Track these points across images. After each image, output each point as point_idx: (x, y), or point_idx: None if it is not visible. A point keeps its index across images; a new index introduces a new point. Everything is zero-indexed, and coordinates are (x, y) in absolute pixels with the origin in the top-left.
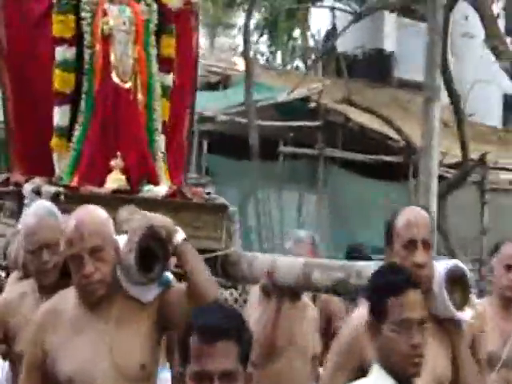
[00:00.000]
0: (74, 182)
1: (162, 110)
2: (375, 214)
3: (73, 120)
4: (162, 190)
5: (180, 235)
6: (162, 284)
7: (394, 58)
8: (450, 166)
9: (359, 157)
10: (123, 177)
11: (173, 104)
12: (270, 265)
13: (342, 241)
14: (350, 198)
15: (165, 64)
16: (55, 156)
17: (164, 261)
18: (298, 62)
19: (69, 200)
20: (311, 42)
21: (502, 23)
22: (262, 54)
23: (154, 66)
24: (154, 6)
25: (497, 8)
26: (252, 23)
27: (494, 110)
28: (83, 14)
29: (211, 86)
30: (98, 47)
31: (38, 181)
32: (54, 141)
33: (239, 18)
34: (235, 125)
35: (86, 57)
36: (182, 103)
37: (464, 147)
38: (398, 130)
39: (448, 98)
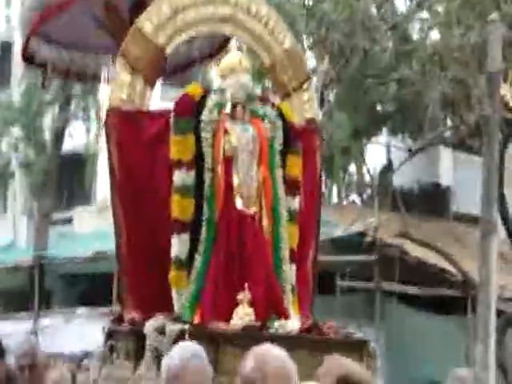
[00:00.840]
0: (197, 319)
1: (289, 237)
2: (433, 349)
3: (193, 250)
4: (294, 324)
5: None
6: None
7: (451, 191)
8: (509, 300)
9: (416, 290)
10: (251, 310)
11: (299, 230)
12: None
13: (400, 375)
14: (407, 331)
15: (291, 186)
16: (174, 290)
17: None
18: (354, 197)
19: (195, 338)
20: (367, 177)
21: None
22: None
23: (280, 189)
24: (279, 123)
25: None
26: None
27: None
28: (203, 134)
29: None
30: (219, 169)
31: (160, 319)
32: (173, 274)
33: None
34: None
35: (207, 180)
36: (307, 229)
37: None
38: (455, 264)
39: (505, 232)
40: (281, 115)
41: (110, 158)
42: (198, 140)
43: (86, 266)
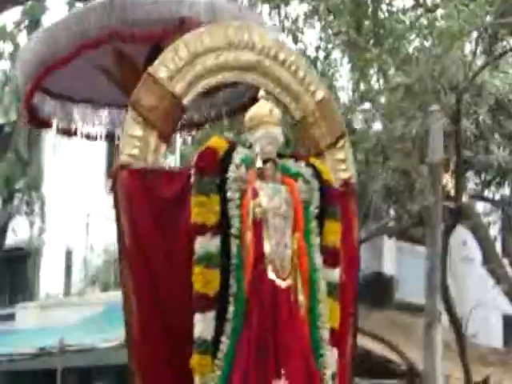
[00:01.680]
0: None
1: (328, 315)
2: None
3: (219, 331)
4: None
5: None
6: None
7: (394, 281)
8: None
9: (363, 382)
10: None
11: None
12: None
13: None
14: None
15: (330, 255)
16: (197, 378)
17: None
18: None
19: None
20: None
21: (499, 246)
22: None
23: (318, 258)
24: (315, 184)
25: (493, 231)
26: None
27: (495, 331)
28: (230, 195)
29: None
30: (248, 236)
31: None
32: (196, 358)
33: None
34: None
35: (234, 248)
36: (346, 306)
37: (467, 370)
38: (401, 353)
39: (449, 321)
40: (317, 174)
41: (118, 223)
42: (223, 201)
43: (29, 362)
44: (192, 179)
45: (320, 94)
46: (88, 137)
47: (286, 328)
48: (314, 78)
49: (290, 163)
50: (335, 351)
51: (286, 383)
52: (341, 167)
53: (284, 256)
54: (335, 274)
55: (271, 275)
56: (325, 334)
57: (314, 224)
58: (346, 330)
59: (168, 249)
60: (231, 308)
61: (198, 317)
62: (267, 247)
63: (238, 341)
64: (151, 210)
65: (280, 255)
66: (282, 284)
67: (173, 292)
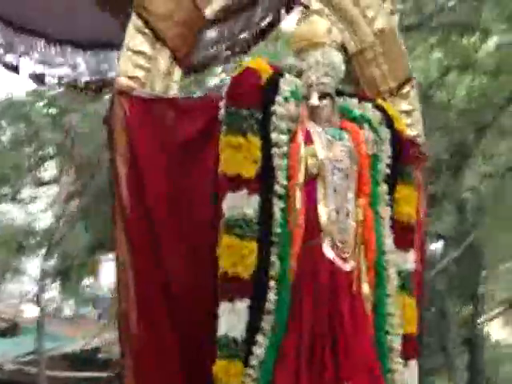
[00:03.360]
0: None
1: (400, 315)
2: None
3: (253, 327)
4: None
5: None
6: None
7: None
8: None
9: None
10: None
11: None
12: None
13: None
14: None
15: (403, 234)
16: None
17: None
18: (90, 311)
19: None
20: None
21: None
22: (54, 301)
23: (388, 237)
24: (386, 134)
25: None
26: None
27: None
28: (275, 137)
29: None
30: (298, 197)
31: None
32: (220, 365)
33: (29, 264)
34: (24, 374)
35: (277, 213)
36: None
37: None
38: None
39: None
40: (388, 121)
41: (112, 168)
42: (265, 146)
43: None
44: (222, 112)
45: (381, 23)
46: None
47: (346, 326)
48: (374, 3)
49: (352, 103)
50: (414, 364)
51: None
52: (405, 121)
53: (346, 228)
54: (410, 260)
55: (329, 252)
56: (395, 342)
57: (383, 188)
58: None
59: (183, 209)
60: (272, 296)
61: (224, 307)
62: (324, 214)
63: (280, 342)
64: (160, 155)
65: (341, 226)
66: (344, 266)
67: (187, 270)
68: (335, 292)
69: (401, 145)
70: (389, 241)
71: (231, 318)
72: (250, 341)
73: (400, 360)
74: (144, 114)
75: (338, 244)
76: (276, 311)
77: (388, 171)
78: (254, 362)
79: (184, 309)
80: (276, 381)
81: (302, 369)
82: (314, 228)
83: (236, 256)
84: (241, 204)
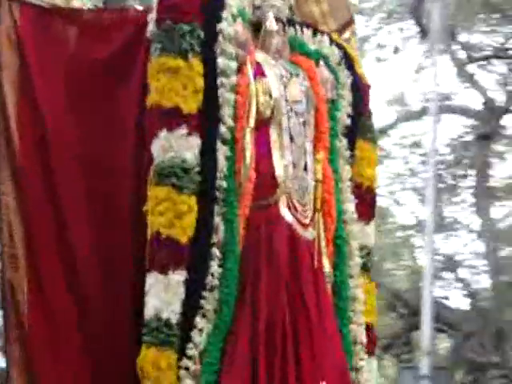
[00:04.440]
0: None
1: (364, 301)
2: None
3: (190, 308)
4: None
5: None
6: None
7: None
8: None
9: None
10: None
11: None
12: None
13: None
14: None
15: (363, 202)
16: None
17: None
18: None
19: None
20: None
21: None
22: None
23: (350, 203)
24: (346, 76)
25: None
26: None
27: None
28: (222, 63)
29: None
30: (246, 142)
31: None
32: (148, 354)
33: None
34: None
35: (221, 160)
36: None
37: None
38: None
39: None
40: (348, 62)
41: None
42: (209, 75)
43: None
44: (151, 28)
45: None
46: None
47: (313, 313)
48: None
49: (305, 35)
50: (373, 363)
51: None
52: None
53: (305, 186)
54: (371, 234)
55: (287, 215)
56: (360, 333)
57: (343, 143)
58: None
59: (93, 154)
60: (215, 268)
61: (153, 280)
62: (279, 167)
63: (228, 327)
64: (62, 82)
65: (300, 184)
66: (305, 234)
67: (98, 231)
68: (296, 266)
69: (362, 93)
70: (350, 208)
71: (163, 295)
72: (187, 325)
73: (365, 356)
74: (40, 28)
75: (297, 206)
76: (221, 287)
77: (348, 122)
78: (192, 351)
79: (92, 283)
80: (225, 375)
81: (260, 368)
82: (267, 183)
83: (171, 213)
84: (178, 146)
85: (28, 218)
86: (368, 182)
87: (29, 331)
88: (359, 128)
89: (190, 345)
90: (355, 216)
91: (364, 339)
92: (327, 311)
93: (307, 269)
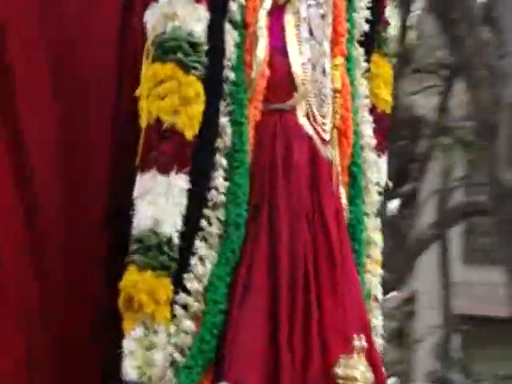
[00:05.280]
0: None
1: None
2: None
3: (191, 228)
4: None
5: None
6: None
7: None
8: None
9: None
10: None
11: None
12: None
13: None
14: None
15: (378, 128)
16: (135, 324)
17: None
18: None
19: None
20: None
21: None
22: None
23: (367, 126)
24: None
25: None
26: None
27: None
28: None
29: None
30: (259, 26)
31: None
32: (133, 278)
33: None
34: None
35: (229, 45)
36: None
37: None
38: None
39: None
40: None
41: None
42: None
43: None
44: None
45: None
46: None
47: (337, 253)
48: None
49: None
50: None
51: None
52: None
53: (326, 95)
54: (383, 170)
55: (306, 125)
56: (376, 287)
57: (359, 51)
58: None
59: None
60: (220, 180)
61: (148, 182)
62: (297, 64)
63: (237, 251)
64: None
65: (319, 90)
66: (326, 151)
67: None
68: (318, 191)
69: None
70: (368, 131)
71: (163, 202)
72: (185, 250)
73: (381, 316)
74: None
75: (317, 116)
76: (227, 206)
77: (366, 28)
78: (192, 285)
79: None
80: (235, 312)
81: (282, 308)
82: (282, 83)
83: (176, 97)
84: (184, 15)
85: None
86: (383, 105)
87: None
88: (375, 39)
89: (190, 275)
90: (373, 142)
91: (380, 295)
92: (348, 253)
93: (328, 195)
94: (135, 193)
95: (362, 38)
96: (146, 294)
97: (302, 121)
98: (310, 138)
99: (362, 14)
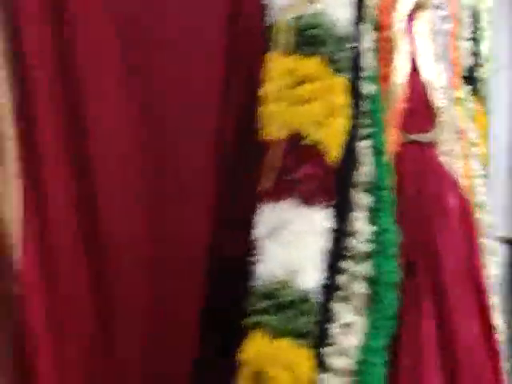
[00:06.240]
0: None
1: None
2: None
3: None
4: None
5: None
6: None
7: None
8: None
9: None
10: None
11: None
12: None
13: None
14: None
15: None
16: None
17: None
18: None
19: None
20: None
21: None
22: None
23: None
24: None
25: None
26: None
27: None
28: None
29: None
30: (397, 30)
31: None
32: (273, 347)
33: None
34: None
35: (367, 59)
36: None
37: None
38: None
39: None
40: None
41: None
42: None
43: None
44: None
45: None
46: None
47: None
48: None
49: None
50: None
51: None
52: None
53: (456, 130)
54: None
55: (446, 163)
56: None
57: (465, 90)
58: None
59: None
60: (361, 222)
61: (285, 214)
62: (433, 86)
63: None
64: None
65: (452, 122)
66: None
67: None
68: (470, 243)
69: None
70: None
71: (303, 244)
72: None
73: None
74: None
75: (453, 156)
76: (374, 257)
77: (471, 62)
78: (334, 360)
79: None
80: None
81: None
82: (419, 109)
83: (321, 104)
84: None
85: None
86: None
87: None
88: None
89: (331, 348)
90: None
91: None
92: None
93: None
94: (259, 230)
95: (467, 75)
96: (283, 370)
97: (443, 159)
98: (455, 182)
99: (465, 45)
